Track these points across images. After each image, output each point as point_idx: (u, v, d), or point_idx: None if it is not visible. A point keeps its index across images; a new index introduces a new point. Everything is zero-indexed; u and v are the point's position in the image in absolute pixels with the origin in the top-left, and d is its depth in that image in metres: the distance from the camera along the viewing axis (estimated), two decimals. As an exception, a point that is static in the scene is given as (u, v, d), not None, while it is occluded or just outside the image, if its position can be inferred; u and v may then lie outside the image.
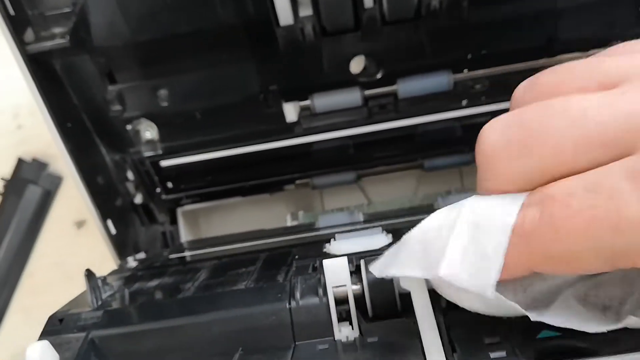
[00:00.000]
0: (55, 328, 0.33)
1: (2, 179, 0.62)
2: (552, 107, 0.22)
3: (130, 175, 0.52)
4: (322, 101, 0.47)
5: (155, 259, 0.48)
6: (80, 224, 0.62)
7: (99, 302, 0.36)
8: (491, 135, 0.24)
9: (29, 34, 0.43)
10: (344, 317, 0.30)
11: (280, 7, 0.42)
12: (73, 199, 0.62)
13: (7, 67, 0.61)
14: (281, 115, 0.48)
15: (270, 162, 0.51)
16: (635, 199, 0.19)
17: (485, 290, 0.22)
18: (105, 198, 0.49)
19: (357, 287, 0.31)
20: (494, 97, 0.47)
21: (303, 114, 0.48)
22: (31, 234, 0.62)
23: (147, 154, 0.50)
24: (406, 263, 0.25)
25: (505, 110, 0.25)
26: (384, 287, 0.30)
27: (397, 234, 0.38)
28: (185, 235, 0.56)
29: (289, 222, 0.54)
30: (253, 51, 0.45)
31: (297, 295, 0.31)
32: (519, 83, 0.26)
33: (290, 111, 0.48)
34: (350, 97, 0.47)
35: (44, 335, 0.32)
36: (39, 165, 0.62)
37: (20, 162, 0.62)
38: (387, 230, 0.39)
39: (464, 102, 0.47)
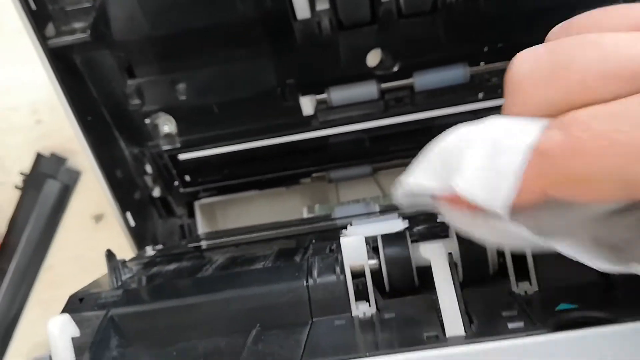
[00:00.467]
0: (75, 306, 0.34)
1: (22, 173, 0.63)
2: (584, 39, 0.23)
3: (148, 168, 0.53)
4: (339, 94, 0.48)
5: (173, 248, 0.49)
6: (98, 218, 0.63)
7: (119, 283, 0.36)
8: (522, 62, 0.24)
9: (50, 29, 0.44)
10: (361, 294, 0.30)
11: (297, 0, 0.43)
12: (91, 193, 0.63)
13: (26, 64, 0.63)
14: (298, 108, 0.48)
15: (287, 155, 0.52)
16: None
17: (497, 208, 0.22)
18: (125, 191, 0.50)
19: (374, 261, 0.31)
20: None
21: (319, 108, 0.49)
22: (50, 228, 0.63)
23: (165, 147, 0.51)
24: (423, 174, 0.25)
25: None
26: (401, 262, 0.30)
27: (413, 220, 0.38)
28: (202, 228, 0.56)
29: (305, 215, 0.54)
30: (270, 45, 0.46)
31: (315, 273, 0.31)
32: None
33: (307, 104, 0.48)
34: (367, 90, 0.47)
35: (64, 312, 0.33)
36: (58, 160, 0.63)
37: (39, 157, 0.63)
38: (404, 216, 0.40)
39: (481, 95, 0.47)
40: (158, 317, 0.32)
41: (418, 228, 0.36)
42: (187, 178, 0.54)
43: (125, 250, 0.49)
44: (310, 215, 0.53)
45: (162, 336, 0.32)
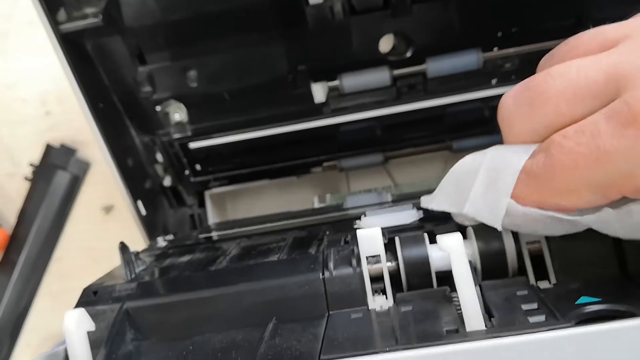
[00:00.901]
0: (89, 299, 0.33)
1: (31, 165, 0.63)
2: (553, 71, 0.26)
3: (159, 157, 0.52)
4: (351, 81, 0.47)
5: (184, 239, 0.48)
6: (108, 209, 0.63)
7: (133, 275, 0.36)
8: (506, 101, 0.29)
9: (62, 14, 0.43)
10: (378, 291, 0.30)
11: (310, -15, 0.42)
12: (101, 185, 0.63)
13: (35, 55, 0.62)
14: (309, 95, 0.48)
15: (298, 143, 0.51)
16: (610, 134, 0.23)
17: (496, 223, 0.27)
18: (136, 180, 0.50)
19: (392, 264, 0.30)
20: (524, 76, 0.46)
21: (331, 95, 0.48)
22: (60, 219, 0.63)
23: (176, 135, 0.51)
24: (442, 201, 0.32)
25: None
26: (419, 263, 0.30)
27: (427, 210, 0.37)
28: (212, 218, 0.56)
29: (316, 205, 0.53)
30: (282, 31, 0.45)
31: (331, 265, 0.31)
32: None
33: (319, 91, 0.48)
34: (379, 76, 0.47)
35: (79, 305, 0.33)
36: (67, 151, 0.63)
37: (48, 148, 0.63)
38: (418, 207, 0.39)
39: (494, 81, 0.47)
40: (173, 310, 0.32)
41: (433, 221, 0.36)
42: (198, 167, 0.53)
43: (136, 241, 0.49)
44: (322, 205, 0.53)
45: (177, 329, 0.31)
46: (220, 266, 0.36)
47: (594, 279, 0.28)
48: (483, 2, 0.44)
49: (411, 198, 0.46)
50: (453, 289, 0.28)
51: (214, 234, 0.48)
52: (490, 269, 0.30)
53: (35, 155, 0.63)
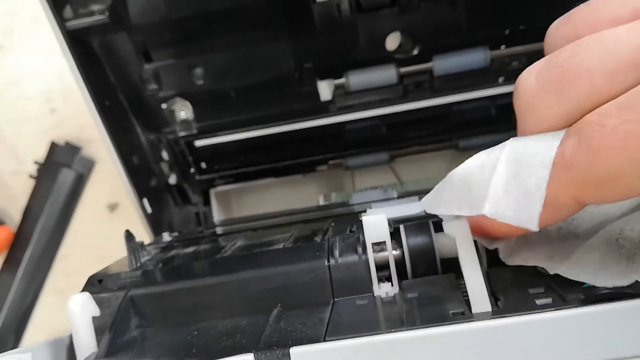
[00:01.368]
0: (94, 288, 0.33)
1: (36, 162, 0.63)
2: (584, 42, 0.23)
3: (164, 155, 0.52)
4: (357, 79, 0.47)
5: (189, 234, 0.48)
6: (112, 207, 0.63)
7: (138, 264, 0.36)
8: (528, 80, 0.24)
9: (68, 11, 0.44)
10: (383, 279, 0.30)
11: (317, -18, 0.42)
12: (106, 183, 0.63)
13: (40, 53, 0.63)
14: (315, 93, 0.48)
15: (304, 142, 0.51)
16: None
17: (529, 224, 0.23)
18: (141, 178, 0.50)
19: (397, 252, 0.30)
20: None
21: (337, 92, 0.48)
22: (65, 216, 0.63)
23: (182, 133, 0.51)
24: (451, 202, 0.26)
25: None
26: (424, 251, 0.30)
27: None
28: (217, 216, 0.56)
29: (322, 203, 0.53)
30: (288, 28, 0.46)
31: (336, 253, 0.31)
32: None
33: (325, 89, 0.48)
34: (386, 74, 0.47)
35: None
36: (72, 149, 0.63)
37: (53, 145, 0.63)
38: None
39: (501, 80, 0.47)
40: (178, 298, 0.32)
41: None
42: (203, 165, 0.54)
43: (141, 239, 0.49)
44: (327, 203, 0.53)
45: (182, 317, 0.31)
46: (225, 255, 0.36)
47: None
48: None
49: (417, 194, 0.46)
50: (459, 275, 0.28)
51: (219, 229, 0.48)
52: (495, 256, 0.30)
53: (40, 153, 0.63)
